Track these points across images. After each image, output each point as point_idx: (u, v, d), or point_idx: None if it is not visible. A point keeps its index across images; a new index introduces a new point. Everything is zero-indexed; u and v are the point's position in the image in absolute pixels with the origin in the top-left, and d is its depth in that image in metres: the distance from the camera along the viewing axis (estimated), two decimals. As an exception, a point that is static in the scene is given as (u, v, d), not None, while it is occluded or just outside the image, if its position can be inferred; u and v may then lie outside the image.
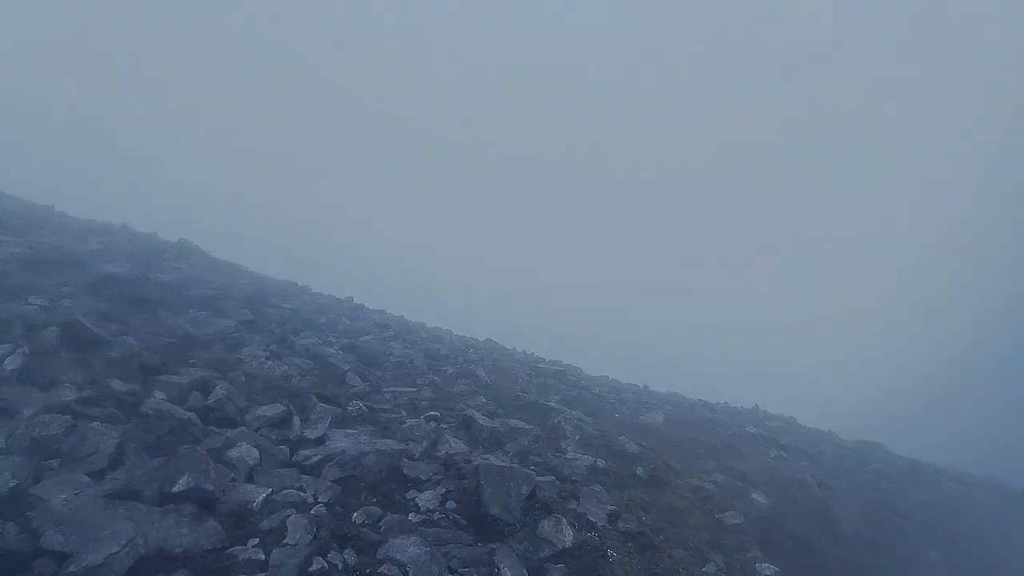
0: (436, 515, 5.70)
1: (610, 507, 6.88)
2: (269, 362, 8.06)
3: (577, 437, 9.49)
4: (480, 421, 8.16)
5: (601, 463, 8.23)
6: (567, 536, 5.63)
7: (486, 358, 14.51)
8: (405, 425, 7.64)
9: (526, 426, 8.87)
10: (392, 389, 9.06)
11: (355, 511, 5.27)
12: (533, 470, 7.16)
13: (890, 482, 10.30)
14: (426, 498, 5.92)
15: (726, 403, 16.89)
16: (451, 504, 5.93)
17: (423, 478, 6.54)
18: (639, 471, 8.38)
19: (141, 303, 8.61)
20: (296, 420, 6.86)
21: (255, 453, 5.82)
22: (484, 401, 9.65)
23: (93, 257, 10.27)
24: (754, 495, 8.25)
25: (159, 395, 6.27)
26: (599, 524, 6.21)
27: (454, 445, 7.27)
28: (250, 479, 5.49)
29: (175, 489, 4.69)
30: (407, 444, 7.07)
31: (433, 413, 8.49)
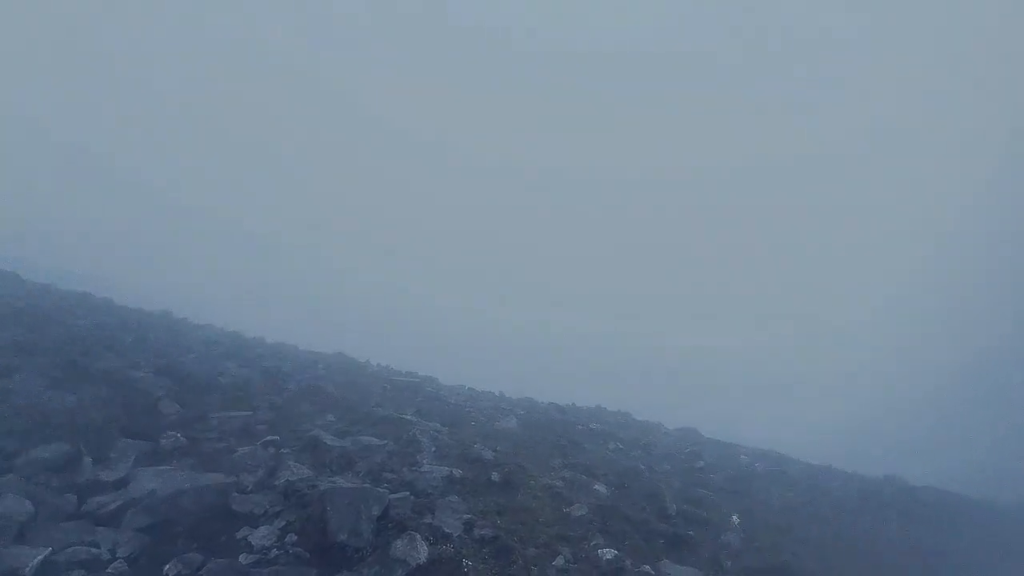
0: (273, 552, 5.13)
1: (466, 516, 6.87)
2: (50, 392, 6.55)
3: (433, 449, 9.35)
4: (328, 441, 7.59)
5: (457, 472, 8.20)
6: (422, 552, 5.48)
7: (336, 373, 13.63)
8: (236, 454, 6.80)
9: (379, 442, 8.49)
10: (221, 414, 8.00)
11: (168, 562, 4.49)
12: (387, 487, 6.86)
13: (704, 461, 11.99)
14: (261, 535, 5.30)
15: (573, 404, 18.12)
16: (292, 537, 5.39)
17: (258, 512, 5.87)
18: (494, 476, 8.53)
19: None
20: (87, 460, 5.66)
21: (27, 505, 4.67)
22: (333, 419, 9.02)
23: None
24: (596, 486, 8.92)
25: None
26: (455, 535, 6.15)
27: (296, 471, 6.65)
28: (21, 538, 4.37)
29: None
30: (238, 476, 6.28)
31: (272, 437, 7.68)
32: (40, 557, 4.21)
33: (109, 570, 4.19)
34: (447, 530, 6.23)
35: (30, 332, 8.37)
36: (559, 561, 6.26)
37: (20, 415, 6.06)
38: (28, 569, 4.10)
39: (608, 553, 6.37)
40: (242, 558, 4.84)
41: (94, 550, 4.41)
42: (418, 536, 5.63)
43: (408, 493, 6.72)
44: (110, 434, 6.31)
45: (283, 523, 5.70)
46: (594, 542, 6.80)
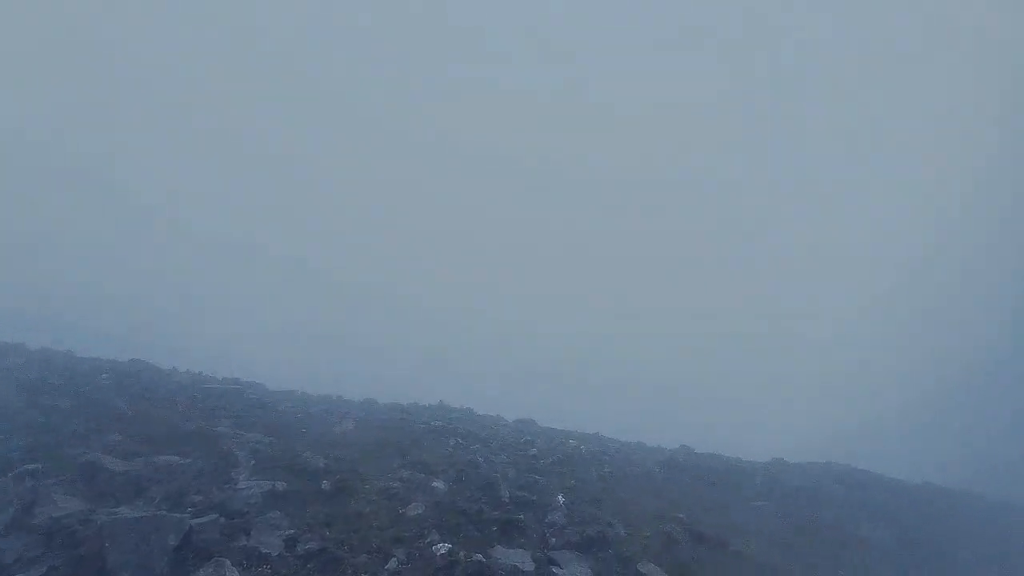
0: (24, 608, 4.13)
1: (289, 532, 6.33)
2: None
3: (253, 462, 8.44)
4: (109, 466, 6.36)
5: (281, 486, 7.52)
6: (231, 578, 4.89)
7: (129, 383, 11.52)
8: (-29, 493, 5.33)
9: (182, 461, 7.39)
10: (-52, 444, 6.20)
11: None
12: (190, 512, 6.00)
13: (536, 448, 12.80)
14: (6, 589, 4.22)
15: (415, 402, 17.92)
16: (53, 586, 4.40)
17: (7, 560, 4.69)
18: (325, 485, 8.02)
19: None
20: None
21: None
22: (119, 438, 7.60)
23: None
24: (435, 483, 8.94)
25: None
26: (274, 554, 5.62)
27: (63, 504, 5.45)
28: None
29: None
30: (-27, 519, 4.93)
31: (30, 467, 6.19)
32: None
33: None
34: (265, 550, 5.67)
35: None
36: (392, 564, 6.12)
37: None
38: None
39: (442, 548, 6.41)
40: (-29, 625, 3.80)
41: None
42: (227, 562, 5.02)
43: (217, 515, 5.96)
44: None
45: (44, 569, 4.64)
46: (429, 539, 6.79)
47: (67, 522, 5.17)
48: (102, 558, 4.65)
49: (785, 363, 65.38)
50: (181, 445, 8.22)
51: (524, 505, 8.55)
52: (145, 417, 9.02)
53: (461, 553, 6.33)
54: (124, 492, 6.17)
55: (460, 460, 10.65)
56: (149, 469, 6.71)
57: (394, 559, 6.26)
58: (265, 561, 5.44)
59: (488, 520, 7.75)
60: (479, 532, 7.44)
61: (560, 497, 8.75)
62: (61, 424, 7.73)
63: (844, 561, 8.10)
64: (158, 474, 6.75)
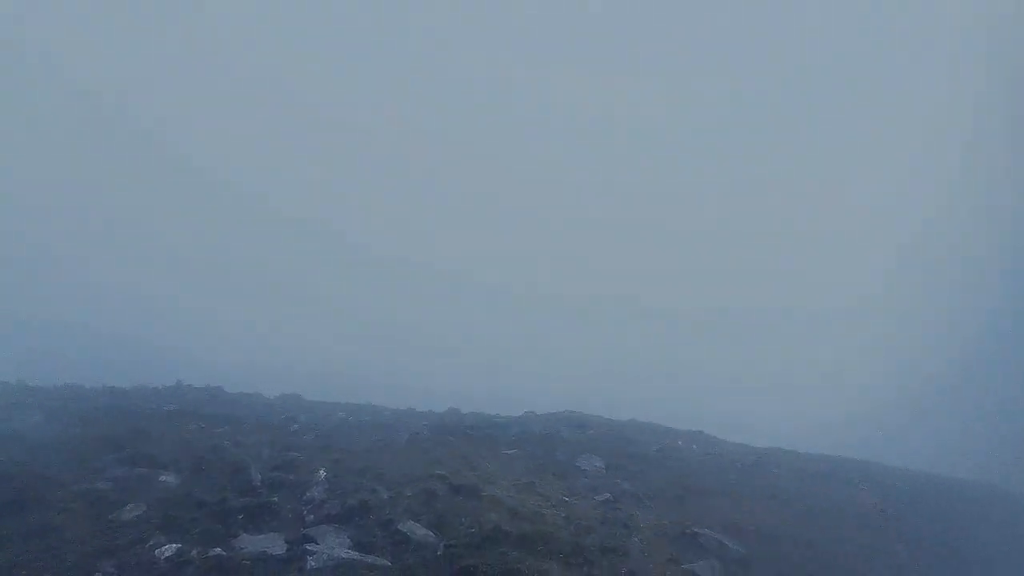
0: None
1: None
2: None
3: None
4: None
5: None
6: None
7: None
8: None
9: None
10: None
11: None
12: None
13: (298, 424, 12.01)
14: None
15: (141, 384, 14.91)
16: None
17: None
18: (-13, 499, 6.09)
19: None
20: None
21: None
22: None
23: None
24: (164, 477, 7.62)
25: None
26: None
27: None
28: None
29: None
30: None
31: None
32: None
33: None
34: None
35: None
36: (94, 580, 5.03)
37: None
38: None
39: (168, 549, 5.52)
40: None
41: None
42: None
43: None
44: None
45: None
46: (151, 542, 5.77)
47: None
48: None
49: (780, 351, 64.57)
50: None
51: (279, 486, 7.96)
52: None
53: (193, 551, 5.55)
54: None
55: (200, 447, 9.31)
56: None
57: (98, 573, 5.15)
58: None
59: (233, 509, 6.98)
60: (221, 524, 6.65)
61: (322, 472, 8.39)
62: None
63: (569, 486, 9.77)
64: None
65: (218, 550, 5.62)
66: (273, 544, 6.05)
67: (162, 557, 5.42)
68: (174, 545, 5.58)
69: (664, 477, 11.08)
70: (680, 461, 12.61)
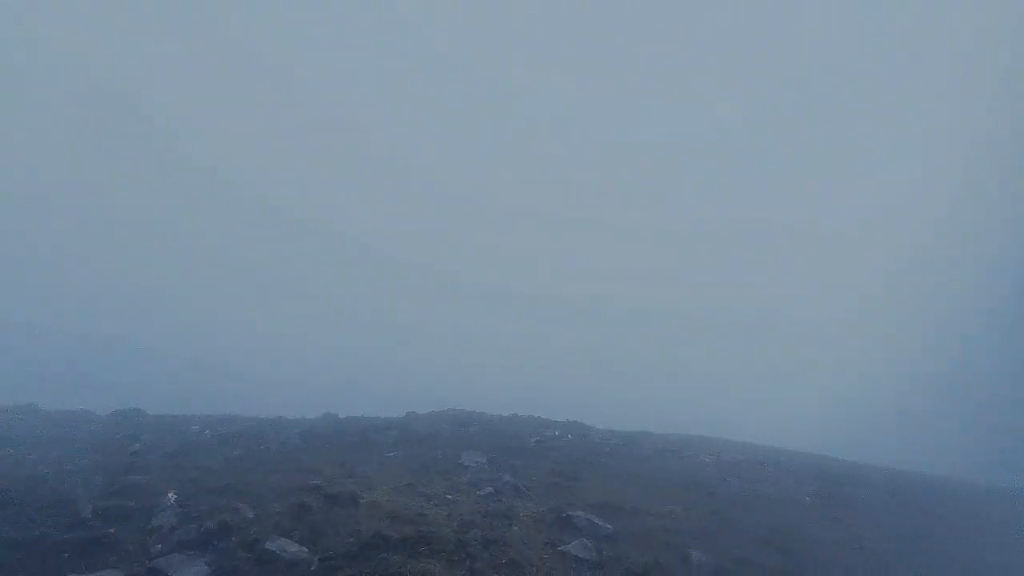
0: None
1: None
2: None
3: None
4: None
5: None
6: None
7: None
8: None
9: None
10: None
11: None
12: None
13: (140, 443, 10.48)
14: None
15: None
16: None
17: None
18: None
19: None
20: None
21: None
22: None
23: None
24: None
25: None
26: None
27: None
28: None
29: None
30: None
31: None
32: None
33: None
34: None
35: None
36: None
37: None
38: None
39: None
40: None
41: None
42: None
43: None
44: None
45: None
46: (-65, 602, 4.67)
47: None
48: None
49: (775, 352, 64.93)
50: None
51: (116, 516, 6.92)
52: None
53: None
54: None
55: (10, 478, 7.73)
56: None
57: None
58: None
59: (57, 546, 5.93)
60: (40, 565, 5.62)
61: (172, 495, 7.44)
62: None
63: (452, 484, 9.80)
64: None
65: (34, 599, 4.73)
66: (109, 583, 5.25)
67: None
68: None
69: (542, 466, 11.59)
70: (557, 450, 13.29)
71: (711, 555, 7.93)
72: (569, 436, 15.10)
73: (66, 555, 5.86)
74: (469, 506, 8.77)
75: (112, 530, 6.35)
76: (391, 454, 11.78)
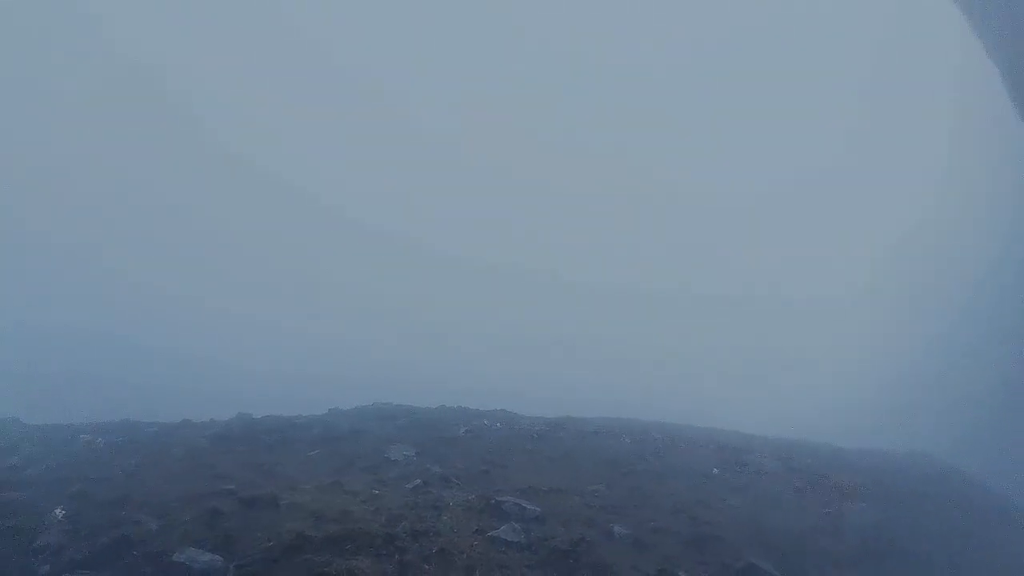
0: None
1: None
2: None
3: None
4: None
5: None
6: None
7: None
8: None
9: None
10: None
11: None
12: None
13: (19, 456, 9.28)
14: None
15: None
16: None
17: None
18: None
19: None
20: None
21: None
22: None
23: None
24: None
25: None
26: None
27: None
28: None
29: None
30: None
31: None
32: None
33: None
34: None
35: None
36: None
37: None
38: None
39: None
40: None
41: None
42: None
43: None
44: None
45: None
46: None
47: None
48: None
49: (773, 339, 63.53)
50: None
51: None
52: None
53: None
54: None
55: None
56: None
57: None
58: None
59: None
60: None
61: (59, 510, 6.70)
62: None
63: (379, 479, 9.64)
64: None
65: None
66: (-17, 615, 4.65)
67: None
68: None
69: (471, 455, 11.67)
70: (485, 439, 13.42)
71: (631, 527, 8.43)
72: (498, 424, 15.30)
73: (-75, 589, 5.12)
74: (397, 499, 8.66)
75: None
76: (313, 452, 11.35)
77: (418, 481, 9.58)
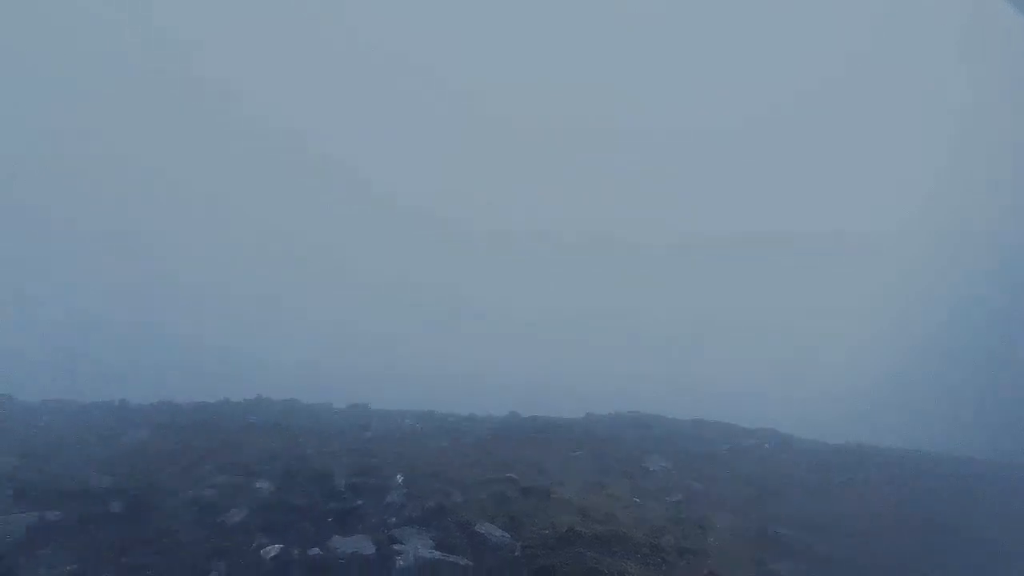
0: None
1: (70, 567, 5.31)
2: None
3: (10, 491, 6.76)
4: None
5: (53, 515, 6.19)
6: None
7: None
8: None
9: None
10: None
11: None
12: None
13: (371, 431, 12.58)
14: None
15: (226, 399, 16.04)
16: None
17: None
18: (115, 507, 6.84)
19: None
20: None
21: None
22: None
23: None
24: (259, 484, 8.23)
25: None
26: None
27: None
28: None
29: None
30: None
31: None
32: None
33: None
34: (36, 597, 4.67)
35: None
36: (212, 578, 5.55)
37: None
38: None
39: (273, 550, 6.00)
40: None
41: None
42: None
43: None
44: None
45: None
46: (256, 543, 6.29)
47: None
48: None
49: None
50: None
51: (362, 491, 8.41)
52: None
53: (295, 551, 6.01)
54: None
55: (287, 455, 9.96)
56: None
57: (214, 573, 5.67)
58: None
59: (323, 512, 7.46)
60: (314, 527, 7.13)
61: (399, 477, 8.80)
62: None
63: (637, 487, 9.75)
64: None
65: (316, 550, 6.05)
66: (363, 545, 6.44)
67: (268, 557, 5.90)
68: (277, 545, 6.06)
69: (737, 476, 10.81)
70: (753, 460, 12.25)
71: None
72: (766, 445, 13.79)
73: (330, 520, 7.34)
74: (659, 511, 8.64)
75: (360, 502, 7.75)
76: (576, 453, 12.15)
77: (679, 496, 9.35)
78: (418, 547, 6.51)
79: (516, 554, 6.78)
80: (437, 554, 6.37)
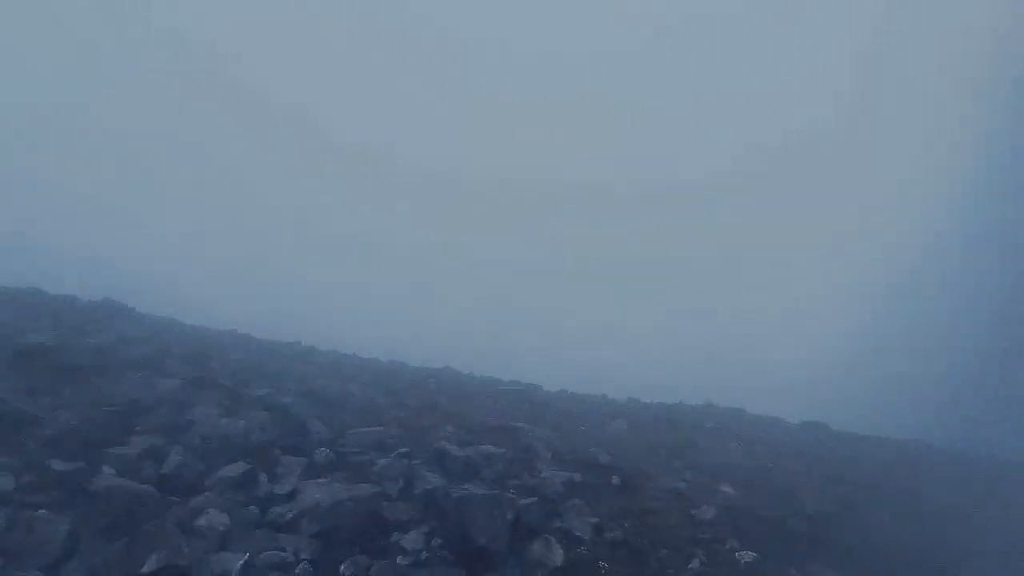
0: (424, 555, 5.62)
1: (593, 519, 7.01)
2: (224, 419, 7.65)
3: (549, 455, 9.59)
4: (453, 452, 8.09)
5: (577, 477, 8.37)
6: (557, 555, 5.71)
7: (446, 386, 14.40)
8: (377, 466, 7.46)
9: (498, 450, 8.87)
10: (357, 431, 8.82)
11: (342, 563, 5.09)
12: (513, 494, 7.19)
13: (844, 453, 11.15)
14: (411, 539, 5.81)
15: (681, 402, 17.59)
16: (437, 541, 5.86)
17: (404, 519, 6.40)
18: (614, 480, 8.59)
19: (72, 372, 7.95)
20: (262, 477, 6.54)
21: (225, 518, 5.51)
22: (452, 430, 9.58)
23: (6, 327, 9.37)
24: (723, 487, 8.65)
25: (108, 470, 5.81)
26: (586, 538, 6.31)
27: (431, 480, 7.17)
28: (223, 546, 5.18)
29: (144, 571, 4.37)
30: (382, 485, 6.90)
31: (403, 450, 8.33)
32: (241, 561, 4.96)
33: (297, 571, 4.86)
34: (577, 533, 6.42)
35: (199, 370, 9.83)
36: (694, 564, 6.20)
37: (205, 441, 7.14)
38: (234, 572, 4.86)
39: (746, 556, 6.19)
40: (399, 560, 5.36)
41: (281, 553, 5.12)
42: (552, 539, 5.87)
43: (535, 498, 6.99)
44: (274, 453, 7.24)
45: (427, 528, 6.19)
46: (728, 545, 6.63)
47: (435, 493, 6.79)
48: (464, 524, 6.00)
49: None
50: (493, 437, 9.91)
51: (830, 521, 7.59)
52: (463, 414, 11.17)
53: (769, 565, 5.99)
54: (465, 473, 7.78)
55: (746, 464, 10.06)
56: (478, 456, 8.30)
57: (696, 559, 6.31)
58: (580, 543, 6.16)
59: (793, 533, 7.14)
60: (782, 545, 6.91)
61: (884, 513, 7.46)
62: (415, 419, 10.19)
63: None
64: (484, 460, 8.28)
65: (792, 571, 5.86)
66: (847, 583, 5.79)
67: (742, 561, 6.12)
68: (751, 553, 6.21)
69: None
70: None
71: None
72: None
73: (801, 544, 6.93)
74: None
75: (830, 534, 7.00)
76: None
77: None
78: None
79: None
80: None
